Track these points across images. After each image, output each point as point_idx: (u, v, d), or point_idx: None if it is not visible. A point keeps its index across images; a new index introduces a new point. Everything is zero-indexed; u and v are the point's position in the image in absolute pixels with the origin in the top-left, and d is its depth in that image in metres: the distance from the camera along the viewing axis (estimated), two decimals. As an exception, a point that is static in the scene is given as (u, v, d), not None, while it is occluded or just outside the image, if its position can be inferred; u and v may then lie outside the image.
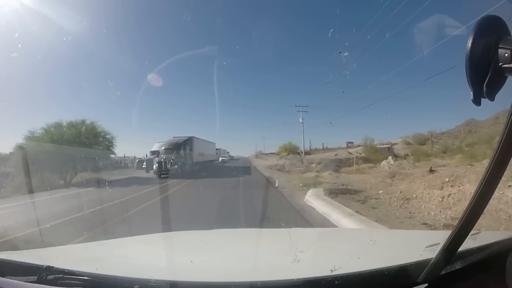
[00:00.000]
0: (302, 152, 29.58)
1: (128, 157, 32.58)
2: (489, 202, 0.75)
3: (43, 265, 1.02)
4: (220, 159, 38.06)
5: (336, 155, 25.29)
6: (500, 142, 0.65)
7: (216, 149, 39.18)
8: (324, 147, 36.78)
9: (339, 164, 20.08)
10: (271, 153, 45.65)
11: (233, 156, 49.87)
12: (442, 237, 0.90)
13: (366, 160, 20.81)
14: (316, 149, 36.69)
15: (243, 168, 23.36)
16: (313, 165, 20.43)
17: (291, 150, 33.74)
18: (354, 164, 18.38)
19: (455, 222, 0.85)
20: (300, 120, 29.56)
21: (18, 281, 1.00)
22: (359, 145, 26.01)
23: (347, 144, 33.84)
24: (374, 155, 21.09)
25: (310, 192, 8.88)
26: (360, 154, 23.48)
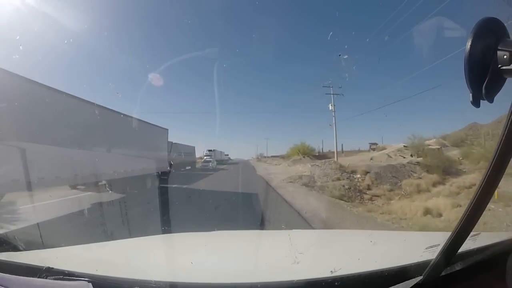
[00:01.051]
0: (335, 155, 20.06)
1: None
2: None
3: (43, 266, 1.02)
4: (201, 164, 27.28)
5: (371, 159, 18.38)
6: (500, 143, 0.66)
7: (209, 150, 31.09)
8: (343, 150, 29.12)
9: (395, 175, 12.81)
10: (273, 156, 41.36)
11: (231, 159, 44.22)
12: (442, 238, 0.90)
13: (428, 167, 13.30)
14: (332, 152, 30.77)
15: (242, 199, 8.82)
16: (358, 176, 12.81)
17: (306, 153, 27.73)
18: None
19: None
20: (330, 107, 19.71)
21: (22, 277, 1.00)
22: (404, 146, 19.54)
23: (370, 146, 28.67)
24: (440, 160, 13.67)
25: None
26: (404, 157, 17.24)
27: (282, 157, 35.59)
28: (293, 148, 30.79)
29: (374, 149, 26.35)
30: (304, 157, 26.11)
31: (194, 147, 26.18)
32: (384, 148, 24.03)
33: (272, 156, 42.14)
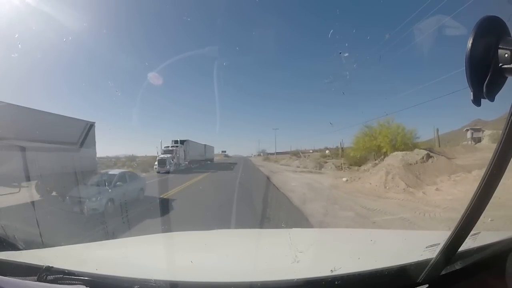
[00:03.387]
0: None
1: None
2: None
3: (43, 265, 1.02)
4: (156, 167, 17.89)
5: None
6: (500, 143, 0.66)
7: (175, 141, 21.79)
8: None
9: None
10: (278, 153, 36.07)
11: (229, 156, 39.87)
12: (442, 237, 0.90)
13: None
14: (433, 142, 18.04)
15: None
16: None
17: (406, 143, 13.82)
18: None
19: None
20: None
21: (19, 280, 1.00)
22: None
23: (472, 134, 19.70)
24: None
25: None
26: None
27: (294, 153, 29.92)
28: (368, 136, 14.82)
29: (478, 140, 15.59)
30: (423, 159, 11.56)
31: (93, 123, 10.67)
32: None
33: (278, 153, 35.84)
